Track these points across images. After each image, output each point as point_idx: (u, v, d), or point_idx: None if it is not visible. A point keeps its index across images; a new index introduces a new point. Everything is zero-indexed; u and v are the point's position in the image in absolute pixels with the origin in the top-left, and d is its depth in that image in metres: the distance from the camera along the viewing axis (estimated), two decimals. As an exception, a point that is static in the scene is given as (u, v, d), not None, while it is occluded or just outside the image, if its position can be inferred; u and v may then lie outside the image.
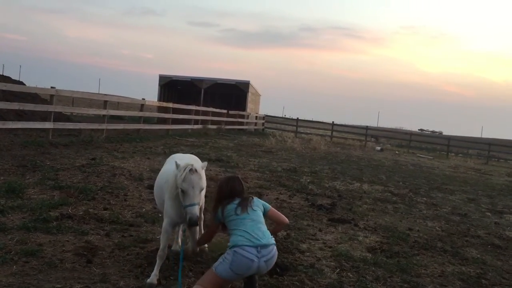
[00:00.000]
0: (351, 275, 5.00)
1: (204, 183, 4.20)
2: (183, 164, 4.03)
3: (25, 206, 6.13)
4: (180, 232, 5.17)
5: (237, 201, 4.26)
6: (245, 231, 4.00)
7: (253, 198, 4.37)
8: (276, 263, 4.83)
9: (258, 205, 4.31)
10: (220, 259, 4.01)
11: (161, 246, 4.26)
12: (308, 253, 5.61)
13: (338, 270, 5.11)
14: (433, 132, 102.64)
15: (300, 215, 7.62)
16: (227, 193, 4.34)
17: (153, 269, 4.23)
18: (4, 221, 5.47)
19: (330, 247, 6.00)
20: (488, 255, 6.58)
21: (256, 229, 4.06)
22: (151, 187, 8.30)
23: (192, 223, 3.94)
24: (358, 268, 5.24)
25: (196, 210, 3.94)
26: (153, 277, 4.17)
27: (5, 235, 5.01)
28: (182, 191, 3.97)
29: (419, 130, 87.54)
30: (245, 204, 4.24)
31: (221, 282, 3.97)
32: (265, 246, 3.97)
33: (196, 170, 4.00)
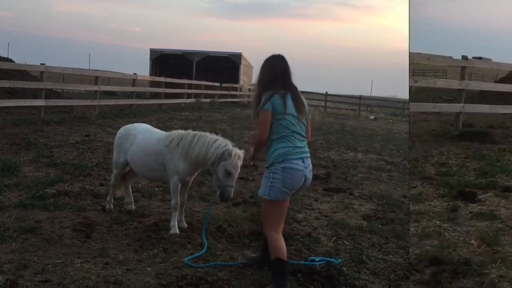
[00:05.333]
0: (347, 243, 5.08)
1: None
2: (234, 152, 4.45)
3: (21, 184, 6.14)
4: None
5: (282, 92, 3.75)
6: (289, 141, 3.71)
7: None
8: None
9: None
10: (265, 185, 3.71)
11: (174, 200, 4.86)
12: (304, 223, 5.68)
13: (334, 238, 5.19)
14: None
15: (295, 186, 7.66)
16: (275, 75, 3.84)
17: (170, 221, 4.84)
18: (1, 199, 5.48)
19: (326, 216, 6.07)
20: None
21: (298, 139, 3.78)
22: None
23: (225, 199, 4.58)
24: (354, 236, 5.32)
25: (232, 191, 4.49)
26: (174, 228, 4.79)
27: (3, 213, 5.02)
28: (229, 173, 4.40)
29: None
30: (298, 101, 3.79)
31: (280, 207, 3.75)
32: (306, 157, 3.81)
33: (239, 157, 4.49)
